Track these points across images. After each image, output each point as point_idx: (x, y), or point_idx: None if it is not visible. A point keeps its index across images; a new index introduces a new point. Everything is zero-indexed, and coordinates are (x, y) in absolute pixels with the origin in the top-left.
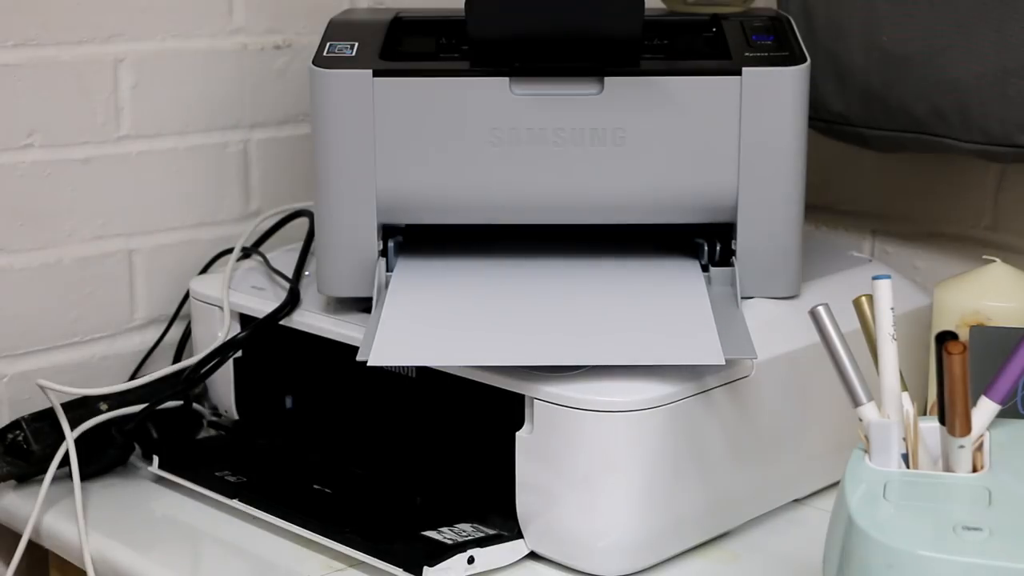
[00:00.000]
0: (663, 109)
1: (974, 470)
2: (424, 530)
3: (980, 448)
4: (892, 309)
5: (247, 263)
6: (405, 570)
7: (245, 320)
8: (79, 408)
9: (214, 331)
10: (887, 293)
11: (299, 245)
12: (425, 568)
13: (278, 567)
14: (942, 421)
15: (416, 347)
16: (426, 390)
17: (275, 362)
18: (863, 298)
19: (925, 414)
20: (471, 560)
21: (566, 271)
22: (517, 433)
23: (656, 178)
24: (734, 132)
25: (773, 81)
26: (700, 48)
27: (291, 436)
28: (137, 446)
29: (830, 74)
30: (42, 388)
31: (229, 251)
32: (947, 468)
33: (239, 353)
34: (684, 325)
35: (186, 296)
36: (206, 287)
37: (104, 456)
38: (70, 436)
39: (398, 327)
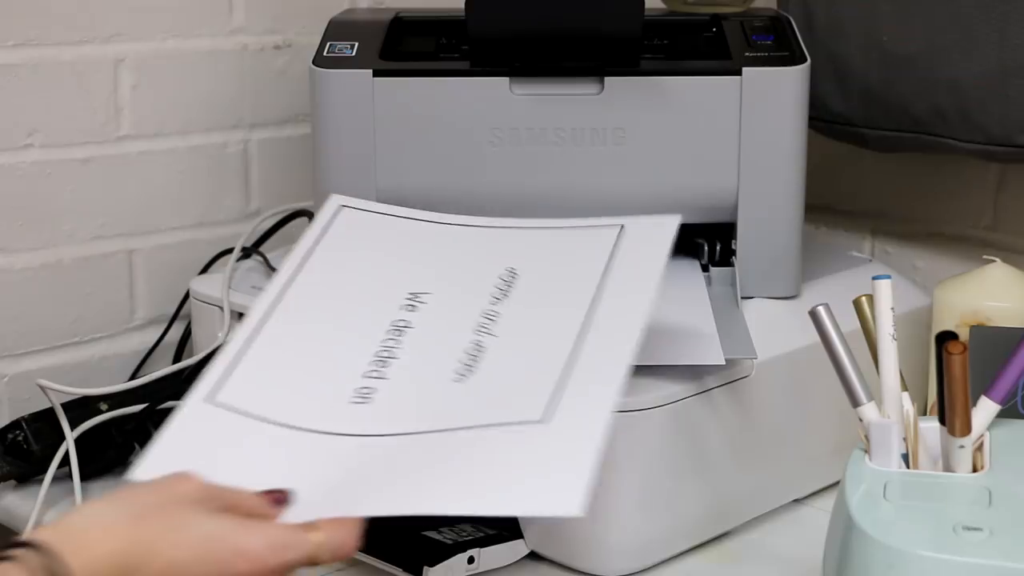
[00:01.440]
0: (663, 109)
1: (974, 470)
2: (424, 530)
3: (980, 448)
4: (892, 309)
5: (247, 263)
6: (405, 570)
7: None
8: (79, 408)
9: (214, 331)
10: (887, 293)
11: None
12: (425, 568)
13: None
14: (942, 421)
15: None
16: None
17: None
18: (863, 298)
19: (925, 414)
20: (471, 560)
21: None
22: None
23: (656, 178)
24: (734, 132)
25: (773, 81)
26: (700, 48)
27: None
28: (137, 446)
29: (830, 74)
30: (42, 388)
31: (229, 251)
32: (947, 468)
33: None
34: (684, 325)
35: (186, 296)
36: (206, 287)
37: (104, 456)
38: (70, 436)
39: None
